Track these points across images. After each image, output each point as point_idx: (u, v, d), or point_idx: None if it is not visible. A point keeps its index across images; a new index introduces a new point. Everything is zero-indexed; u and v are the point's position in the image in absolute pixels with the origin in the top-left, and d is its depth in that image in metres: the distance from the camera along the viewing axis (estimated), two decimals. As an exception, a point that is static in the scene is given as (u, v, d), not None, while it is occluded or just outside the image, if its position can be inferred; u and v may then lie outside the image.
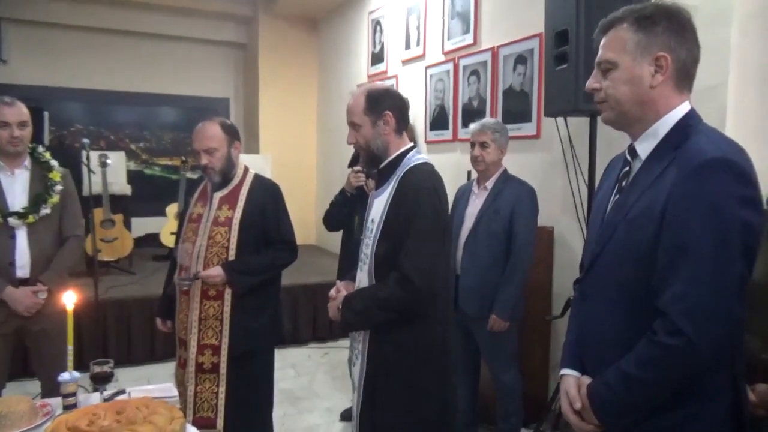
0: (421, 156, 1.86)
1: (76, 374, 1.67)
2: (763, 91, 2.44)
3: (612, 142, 2.48)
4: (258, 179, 2.45)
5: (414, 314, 1.73)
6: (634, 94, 1.22)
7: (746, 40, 2.37)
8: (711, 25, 2.19)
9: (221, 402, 2.31)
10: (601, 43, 1.27)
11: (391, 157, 1.84)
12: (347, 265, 2.77)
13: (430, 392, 1.77)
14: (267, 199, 2.41)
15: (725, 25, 2.35)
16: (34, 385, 2.63)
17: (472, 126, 2.83)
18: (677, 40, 1.20)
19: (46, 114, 5.44)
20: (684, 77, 1.22)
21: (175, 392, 1.93)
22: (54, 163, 2.60)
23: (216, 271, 2.27)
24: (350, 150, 3.18)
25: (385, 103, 1.80)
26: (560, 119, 2.84)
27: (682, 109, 1.22)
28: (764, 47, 2.42)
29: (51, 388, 2.30)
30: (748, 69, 2.39)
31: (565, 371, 1.36)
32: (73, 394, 1.67)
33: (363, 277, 1.84)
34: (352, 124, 1.84)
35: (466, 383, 2.90)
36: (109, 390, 1.80)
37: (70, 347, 1.66)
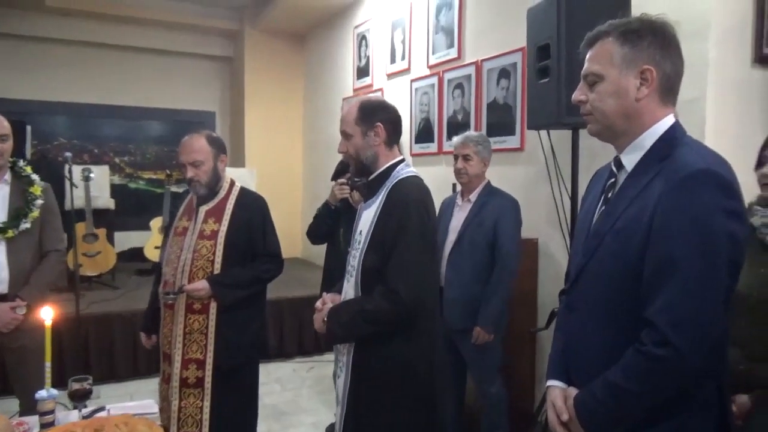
0: (410, 169, 1.87)
1: (54, 391, 1.63)
2: (741, 105, 2.49)
3: (594, 154, 2.51)
4: (244, 192, 2.44)
5: (400, 327, 1.72)
6: (620, 107, 1.23)
7: (723, 54, 2.42)
8: (689, 39, 2.23)
9: (206, 417, 2.28)
10: (587, 56, 1.28)
11: (381, 169, 1.84)
12: (331, 279, 2.76)
13: (416, 406, 1.75)
14: (253, 213, 2.40)
15: (703, 40, 2.40)
16: (13, 403, 2.57)
17: (455, 139, 2.85)
18: (662, 54, 1.21)
19: (28, 128, 5.38)
20: (668, 90, 1.24)
21: (155, 409, 1.90)
22: (35, 177, 2.57)
23: (201, 285, 2.25)
24: (336, 163, 3.20)
25: (377, 116, 1.82)
26: (543, 132, 2.87)
27: (667, 122, 1.23)
28: (740, 62, 2.48)
29: (30, 406, 2.24)
30: (726, 83, 2.44)
31: (551, 382, 1.36)
32: (51, 412, 1.63)
33: (349, 289, 1.83)
34: (344, 133, 1.85)
35: (452, 396, 2.89)
36: (89, 407, 1.76)
37: (48, 364, 1.62)
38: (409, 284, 1.68)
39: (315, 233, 3.08)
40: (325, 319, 1.78)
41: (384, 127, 1.81)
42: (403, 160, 1.89)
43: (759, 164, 1.76)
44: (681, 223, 1.10)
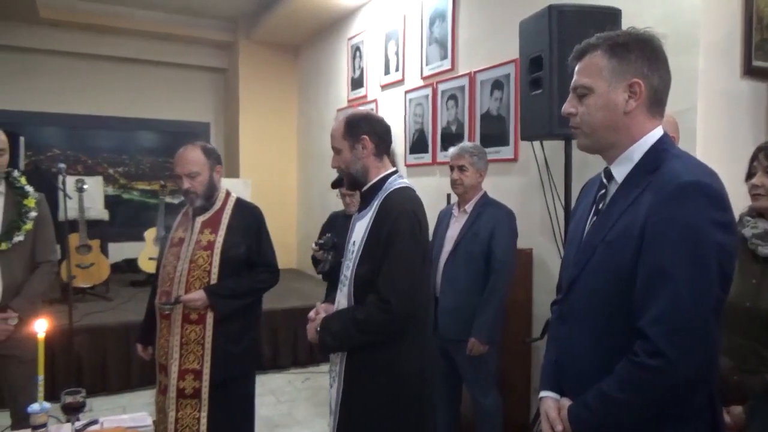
0: (403, 180, 1.88)
1: (47, 405, 1.62)
2: (729, 115, 2.52)
3: (586, 164, 2.53)
4: (240, 203, 2.45)
5: (391, 337, 1.73)
6: (609, 120, 1.24)
7: (713, 66, 2.46)
8: (679, 52, 2.27)
9: (203, 428, 2.27)
10: (576, 68, 1.29)
11: (373, 181, 1.86)
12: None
13: (407, 416, 1.75)
14: (249, 223, 2.41)
15: (692, 52, 2.43)
16: (4, 416, 2.55)
17: (451, 150, 2.86)
18: (650, 67, 1.22)
19: (21, 139, 5.37)
20: (656, 103, 1.25)
21: (149, 421, 1.88)
22: (29, 189, 2.56)
23: (198, 295, 2.25)
24: (331, 173, 3.19)
25: (362, 128, 1.84)
26: (536, 143, 2.89)
27: (655, 134, 1.24)
28: (730, 74, 2.51)
29: (22, 419, 2.22)
30: (716, 94, 2.47)
31: (544, 393, 1.36)
32: (44, 425, 1.62)
33: (342, 299, 1.84)
34: (334, 149, 1.89)
35: (447, 407, 2.88)
36: (81, 420, 1.75)
37: (41, 377, 1.61)
38: (400, 294, 1.69)
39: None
40: (318, 328, 1.78)
41: (370, 138, 1.83)
42: (395, 172, 1.90)
43: (749, 175, 1.77)
44: (671, 235, 1.11)
